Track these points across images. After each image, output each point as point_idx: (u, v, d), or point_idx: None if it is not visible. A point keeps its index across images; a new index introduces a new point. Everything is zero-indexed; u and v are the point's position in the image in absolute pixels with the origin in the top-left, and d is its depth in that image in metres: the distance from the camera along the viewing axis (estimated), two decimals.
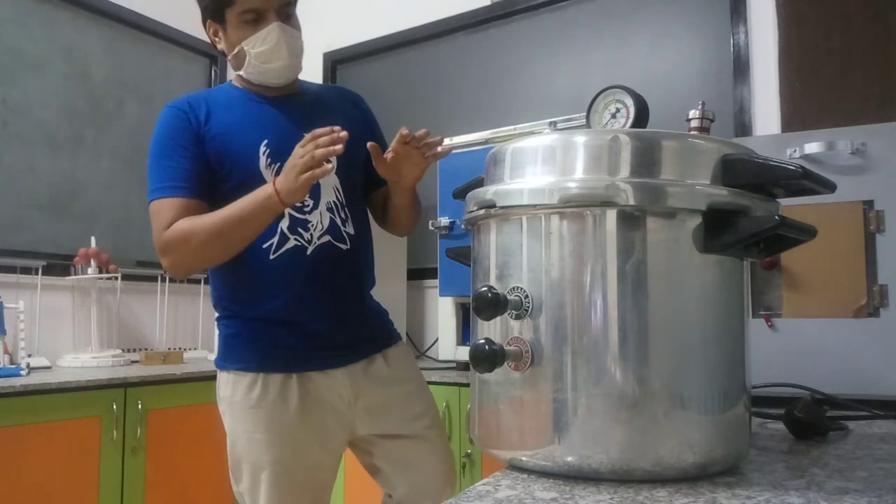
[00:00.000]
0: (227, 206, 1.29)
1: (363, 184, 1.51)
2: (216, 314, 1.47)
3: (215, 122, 1.37)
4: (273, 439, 1.34)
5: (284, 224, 1.36)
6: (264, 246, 1.34)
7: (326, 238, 1.39)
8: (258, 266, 1.35)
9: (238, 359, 1.39)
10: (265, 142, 1.36)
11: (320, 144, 1.20)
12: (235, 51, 1.39)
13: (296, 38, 1.40)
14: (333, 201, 1.41)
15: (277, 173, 1.31)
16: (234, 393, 1.37)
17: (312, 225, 1.38)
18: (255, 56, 1.37)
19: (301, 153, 1.22)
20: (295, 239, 1.36)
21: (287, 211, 1.35)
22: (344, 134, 1.21)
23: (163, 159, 1.35)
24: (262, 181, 1.31)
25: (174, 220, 1.30)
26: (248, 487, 1.37)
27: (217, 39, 1.44)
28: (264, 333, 1.38)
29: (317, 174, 1.20)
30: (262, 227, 1.30)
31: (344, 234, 1.41)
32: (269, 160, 1.35)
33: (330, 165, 1.21)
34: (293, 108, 1.44)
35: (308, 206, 1.38)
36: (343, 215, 1.42)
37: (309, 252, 1.37)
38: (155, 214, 1.33)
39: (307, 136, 1.23)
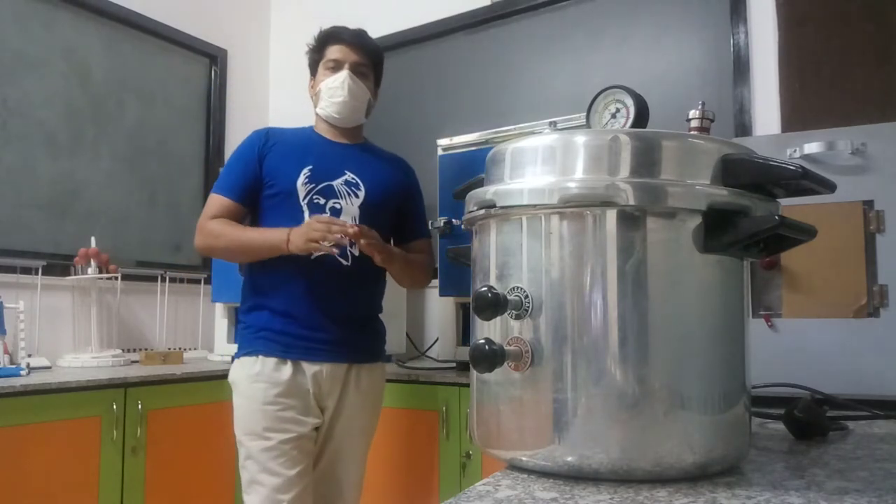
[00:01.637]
0: (255, 229, 1.72)
1: (388, 230, 1.82)
2: (238, 313, 1.80)
3: (276, 147, 1.75)
4: (266, 409, 1.62)
5: None
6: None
7: (333, 251, 1.65)
8: (273, 261, 1.66)
9: (245, 346, 1.71)
10: (309, 167, 1.71)
11: (333, 231, 1.55)
12: (316, 89, 1.80)
13: (359, 87, 1.77)
14: None
15: (309, 191, 1.70)
16: (240, 372, 1.68)
17: None
18: (325, 91, 1.77)
19: (317, 227, 1.55)
20: None
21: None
22: (353, 232, 1.56)
23: (229, 167, 1.78)
24: (296, 194, 1.69)
25: (217, 214, 1.71)
26: (245, 456, 1.64)
27: (310, 89, 1.85)
28: (267, 323, 1.68)
29: (320, 248, 1.56)
30: (269, 256, 1.65)
31: (348, 252, 1.70)
32: (306, 179, 1.70)
33: (335, 250, 1.60)
34: (344, 150, 1.80)
35: None
36: (352, 240, 1.65)
37: (313, 257, 1.66)
38: (207, 203, 1.75)
39: (326, 217, 1.60)
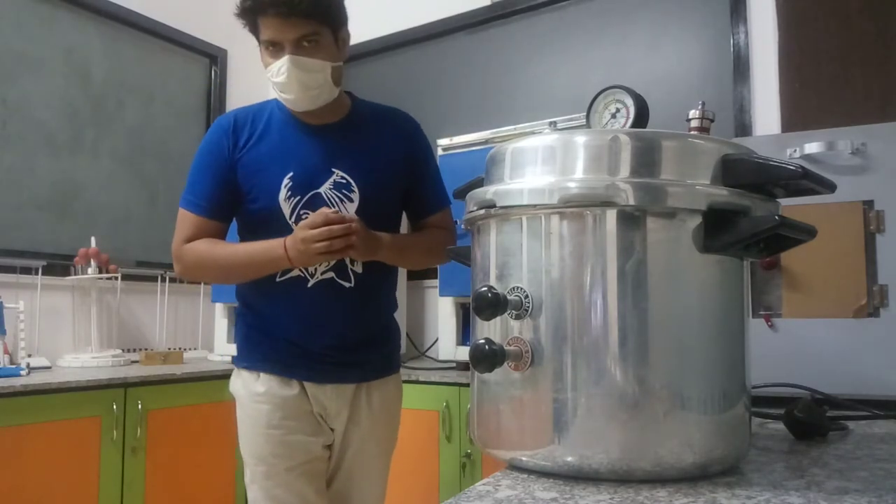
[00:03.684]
0: (243, 245, 1.45)
1: (395, 219, 1.56)
2: (236, 306, 1.58)
3: (249, 149, 1.45)
4: (271, 433, 1.44)
5: None
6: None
7: (329, 275, 1.44)
8: (265, 285, 1.46)
9: (246, 358, 1.51)
10: (290, 175, 1.42)
11: (335, 232, 1.31)
12: (267, 71, 1.42)
13: (310, 70, 1.37)
14: None
15: (295, 206, 1.42)
16: (242, 388, 1.49)
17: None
18: (274, 85, 1.41)
19: (316, 235, 1.31)
20: (298, 270, 1.43)
21: None
22: (355, 227, 1.33)
23: (195, 174, 1.48)
24: (281, 212, 1.42)
25: (191, 235, 1.45)
26: (250, 479, 1.48)
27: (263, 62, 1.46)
28: (267, 340, 1.48)
29: (333, 257, 1.36)
30: (272, 272, 1.42)
31: (350, 272, 1.46)
32: (289, 193, 1.42)
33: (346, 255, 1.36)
34: (327, 139, 1.47)
35: None
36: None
37: (309, 284, 1.44)
38: (179, 221, 1.47)
39: (321, 219, 1.32)
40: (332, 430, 1.51)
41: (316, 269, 1.44)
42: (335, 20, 1.42)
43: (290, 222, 1.42)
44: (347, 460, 1.54)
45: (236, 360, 1.54)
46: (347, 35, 1.48)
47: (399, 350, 1.66)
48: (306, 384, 1.46)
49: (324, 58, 1.39)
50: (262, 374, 1.47)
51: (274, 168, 1.43)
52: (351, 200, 1.45)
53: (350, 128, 1.50)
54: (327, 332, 1.46)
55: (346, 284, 1.45)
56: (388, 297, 1.61)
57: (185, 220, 1.46)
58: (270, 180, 1.42)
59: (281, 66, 1.36)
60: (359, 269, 1.46)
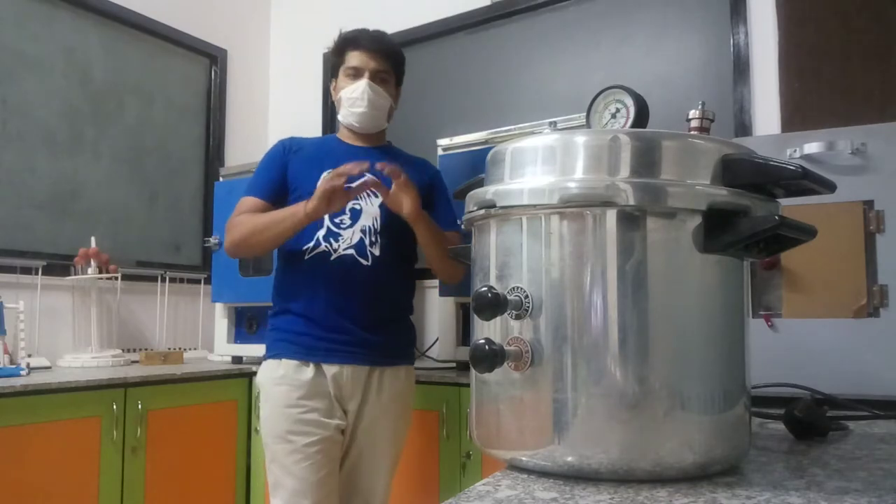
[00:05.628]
0: (275, 210, 1.70)
1: (410, 230, 1.71)
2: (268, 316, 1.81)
3: (300, 153, 1.80)
4: (289, 412, 1.62)
5: (322, 233, 1.70)
6: (303, 248, 1.69)
7: (350, 251, 1.69)
8: (295, 264, 1.71)
9: (271, 348, 1.73)
10: (328, 171, 1.67)
11: (341, 173, 1.54)
12: (337, 96, 1.80)
13: (379, 96, 1.76)
14: (369, 226, 1.72)
15: None
16: (265, 375, 1.70)
17: (343, 238, 1.69)
18: (346, 101, 1.77)
19: (328, 178, 1.56)
20: (325, 246, 1.69)
21: (327, 224, 1.70)
22: (367, 168, 1.55)
23: (257, 173, 1.82)
24: None
25: (241, 211, 1.73)
26: (270, 458, 1.64)
27: (333, 92, 1.85)
28: (289, 325, 1.69)
29: (336, 190, 1.53)
30: (287, 232, 1.64)
31: (368, 252, 1.69)
32: None
33: (350, 193, 1.57)
34: (364, 153, 1.76)
35: (345, 224, 1.71)
36: (373, 239, 1.70)
37: (332, 258, 1.67)
38: (237, 205, 1.77)
39: (336, 170, 1.57)
40: (345, 413, 1.67)
41: (339, 246, 1.68)
42: (399, 74, 1.84)
43: None
44: (358, 442, 1.69)
45: (264, 356, 1.74)
46: (399, 93, 1.88)
47: (412, 346, 1.85)
48: (324, 366, 1.64)
49: (388, 93, 1.79)
50: (283, 360, 1.66)
51: (317, 164, 1.73)
52: (376, 195, 1.71)
53: (385, 152, 1.83)
54: (344, 307, 1.65)
55: (364, 262, 1.68)
56: (403, 290, 1.81)
57: (242, 202, 1.76)
58: (313, 172, 1.71)
59: (359, 87, 1.74)
60: (376, 251, 1.69)
